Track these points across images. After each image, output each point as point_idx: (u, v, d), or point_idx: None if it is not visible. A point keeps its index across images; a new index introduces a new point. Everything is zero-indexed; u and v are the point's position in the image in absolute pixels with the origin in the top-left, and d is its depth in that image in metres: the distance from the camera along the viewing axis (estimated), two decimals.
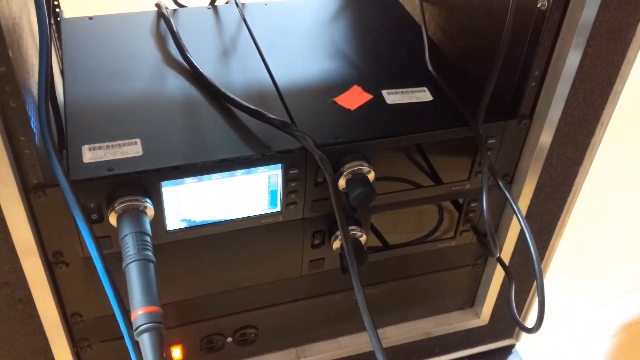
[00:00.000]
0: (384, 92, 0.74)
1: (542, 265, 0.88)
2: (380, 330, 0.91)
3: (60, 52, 0.82)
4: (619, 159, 1.56)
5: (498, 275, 0.88)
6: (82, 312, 0.71)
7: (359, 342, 0.90)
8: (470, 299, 0.94)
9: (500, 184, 0.72)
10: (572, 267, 1.27)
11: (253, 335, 0.83)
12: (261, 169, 0.65)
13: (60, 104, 0.72)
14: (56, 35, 0.86)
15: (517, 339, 1.01)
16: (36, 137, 0.58)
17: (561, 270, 1.25)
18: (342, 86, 0.75)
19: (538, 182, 0.78)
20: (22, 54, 0.63)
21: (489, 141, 0.72)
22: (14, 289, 0.64)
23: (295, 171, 0.66)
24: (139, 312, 0.52)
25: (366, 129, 0.69)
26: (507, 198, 0.72)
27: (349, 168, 0.66)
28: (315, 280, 0.80)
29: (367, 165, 0.67)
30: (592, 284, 1.24)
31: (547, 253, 0.88)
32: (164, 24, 0.83)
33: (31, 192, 0.58)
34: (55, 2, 0.94)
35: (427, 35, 0.84)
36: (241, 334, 0.82)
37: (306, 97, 0.74)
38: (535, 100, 0.72)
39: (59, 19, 0.88)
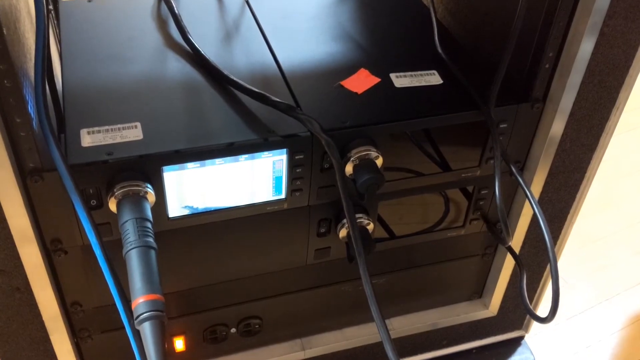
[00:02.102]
0: (392, 76, 0.72)
1: None
2: (386, 321, 0.89)
3: (58, 36, 0.80)
4: (628, 147, 1.54)
5: (508, 265, 0.86)
6: (81, 302, 0.69)
7: (365, 333, 0.88)
8: (479, 290, 0.92)
9: (514, 169, 0.70)
10: (580, 258, 1.25)
11: (257, 326, 0.81)
12: (265, 154, 0.63)
13: (59, 88, 0.70)
14: (55, 19, 0.83)
15: (526, 330, 0.99)
16: (34, 122, 0.56)
17: (569, 261, 1.23)
18: (348, 69, 0.73)
19: (550, 169, 0.76)
20: (18, 37, 0.61)
21: (501, 126, 0.70)
22: (11, 278, 0.62)
23: (300, 156, 0.64)
24: (140, 301, 0.51)
25: (374, 113, 0.67)
26: (520, 184, 0.70)
27: (356, 153, 0.64)
28: (320, 269, 0.78)
29: (375, 150, 0.65)
30: (600, 276, 1.22)
31: (558, 242, 0.86)
32: (165, 6, 0.81)
33: (28, 176, 0.56)
34: None
35: (435, 17, 0.82)
36: (245, 324, 0.80)
37: (312, 81, 0.71)
38: (549, 83, 0.70)
39: (57, 4, 0.86)
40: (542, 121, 0.72)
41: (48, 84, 0.68)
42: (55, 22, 0.83)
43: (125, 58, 0.72)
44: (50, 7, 0.86)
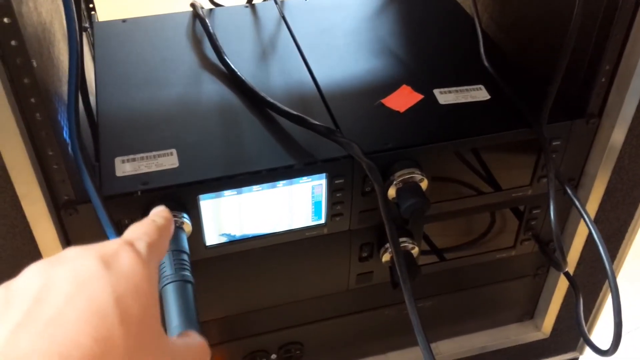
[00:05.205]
0: (436, 92, 0.69)
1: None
2: (432, 345, 0.85)
3: (94, 55, 0.79)
4: None
5: (561, 286, 0.81)
6: None
7: (409, 357, 0.84)
8: (530, 311, 0.88)
9: (568, 189, 0.65)
10: (635, 271, 1.18)
11: (298, 352, 0.78)
12: (304, 179, 0.60)
13: (94, 109, 0.68)
14: (92, 38, 0.83)
15: (580, 352, 0.94)
16: (69, 147, 0.54)
17: (623, 274, 1.16)
18: (390, 86, 0.70)
19: (607, 187, 0.71)
20: (52, 61, 0.60)
21: (554, 143, 0.66)
22: None
23: (340, 181, 0.61)
24: None
25: (417, 133, 0.64)
26: (575, 205, 0.65)
27: (399, 176, 0.61)
28: (363, 294, 0.75)
29: (419, 172, 0.61)
30: None
31: (616, 262, 0.81)
32: (199, 25, 0.79)
33: (62, 209, 0.55)
34: (91, 5, 0.92)
35: (480, 28, 0.78)
36: (286, 350, 0.77)
37: (351, 100, 0.68)
38: (605, 97, 0.65)
39: (92, 21, 0.86)
40: (597, 137, 0.67)
41: (84, 108, 0.67)
42: (92, 38, 0.82)
43: (160, 81, 0.71)
44: (86, 24, 0.86)
